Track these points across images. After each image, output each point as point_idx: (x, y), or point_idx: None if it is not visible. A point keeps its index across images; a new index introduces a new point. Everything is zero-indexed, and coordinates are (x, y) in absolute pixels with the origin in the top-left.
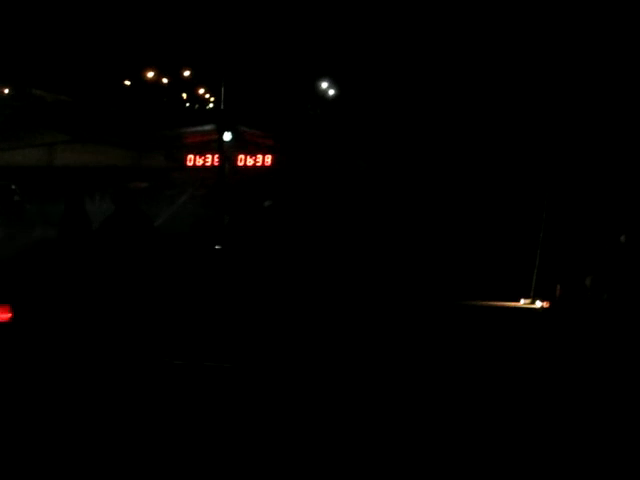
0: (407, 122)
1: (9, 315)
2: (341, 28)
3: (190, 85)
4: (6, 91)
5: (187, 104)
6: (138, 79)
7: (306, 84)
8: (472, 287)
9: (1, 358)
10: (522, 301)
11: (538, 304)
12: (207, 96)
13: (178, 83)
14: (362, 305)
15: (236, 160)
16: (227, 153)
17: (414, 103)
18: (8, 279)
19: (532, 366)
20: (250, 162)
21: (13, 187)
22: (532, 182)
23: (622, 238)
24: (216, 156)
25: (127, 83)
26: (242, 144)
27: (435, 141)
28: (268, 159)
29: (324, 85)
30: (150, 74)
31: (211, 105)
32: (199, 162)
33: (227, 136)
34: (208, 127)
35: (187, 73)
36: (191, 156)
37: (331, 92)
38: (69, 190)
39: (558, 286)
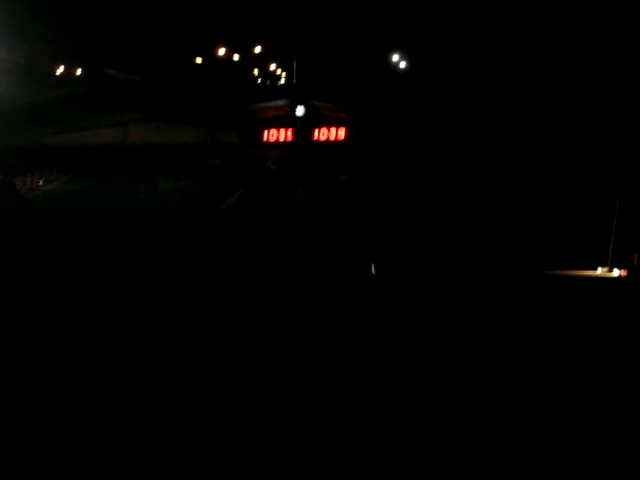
0: (480, 93)
1: None
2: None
3: (261, 61)
4: (79, 71)
5: (259, 80)
6: (210, 56)
7: (377, 57)
8: (550, 256)
9: None
10: (599, 270)
11: (616, 272)
12: (279, 71)
13: (249, 59)
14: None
15: (309, 134)
16: (300, 127)
17: (485, 74)
18: None
19: (610, 333)
20: (323, 136)
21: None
22: (608, 150)
23: None
24: (289, 131)
25: (199, 61)
26: (315, 118)
27: (510, 110)
28: (342, 132)
29: (395, 58)
30: (221, 51)
31: (283, 80)
32: (272, 137)
33: (300, 110)
34: (281, 102)
35: (258, 49)
36: (264, 131)
37: (402, 65)
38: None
39: (636, 254)
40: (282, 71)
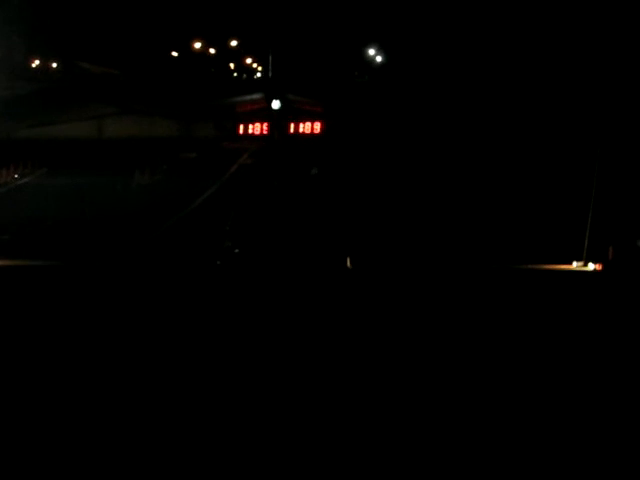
0: (455, 87)
1: None
2: None
3: (237, 55)
4: (54, 65)
5: (235, 74)
6: (186, 50)
7: (354, 51)
8: (525, 251)
9: None
10: (575, 264)
11: (591, 266)
12: (254, 65)
13: (225, 53)
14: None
15: (285, 128)
16: (276, 121)
17: (461, 68)
18: None
19: (585, 328)
20: (299, 130)
21: None
22: (584, 144)
23: None
24: (265, 125)
25: (174, 54)
26: (291, 112)
27: (485, 103)
28: (317, 126)
29: (372, 52)
30: (197, 45)
31: (259, 74)
32: (248, 131)
33: (276, 104)
34: (257, 96)
35: (234, 43)
36: (240, 125)
37: (379, 59)
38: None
39: (611, 248)
40: (258, 65)
